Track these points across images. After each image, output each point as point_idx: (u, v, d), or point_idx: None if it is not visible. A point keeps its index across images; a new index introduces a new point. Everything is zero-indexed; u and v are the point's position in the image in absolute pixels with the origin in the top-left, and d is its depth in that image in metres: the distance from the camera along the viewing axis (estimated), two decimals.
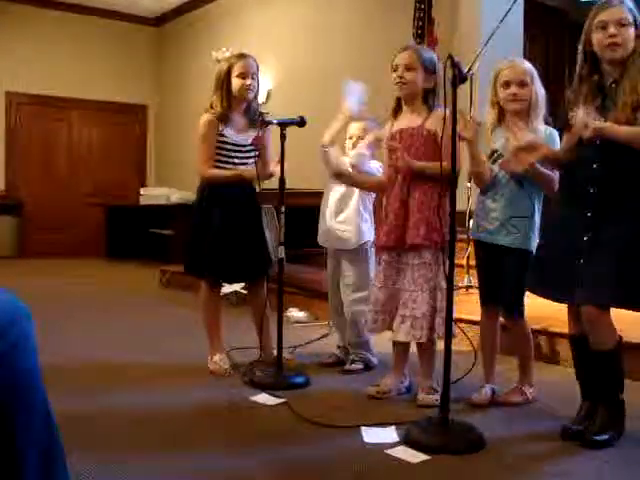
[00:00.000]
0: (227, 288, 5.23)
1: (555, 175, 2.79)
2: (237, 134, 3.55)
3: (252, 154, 3.60)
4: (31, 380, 1.34)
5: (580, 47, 2.57)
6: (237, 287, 5.37)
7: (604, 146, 2.46)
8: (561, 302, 2.63)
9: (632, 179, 2.46)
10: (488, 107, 3.01)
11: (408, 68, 3.03)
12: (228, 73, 3.51)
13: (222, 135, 3.52)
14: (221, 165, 3.55)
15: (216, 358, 3.58)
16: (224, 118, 3.51)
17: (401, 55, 3.07)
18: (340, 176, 3.38)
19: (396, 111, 3.16)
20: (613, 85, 2.50)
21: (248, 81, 3.50)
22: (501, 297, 2.99)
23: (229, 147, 3.54)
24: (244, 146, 3.57)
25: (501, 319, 3.07)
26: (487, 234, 2.96)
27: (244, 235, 3.56)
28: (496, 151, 2.95)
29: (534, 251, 2.84)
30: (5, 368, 1.26)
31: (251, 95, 3.55)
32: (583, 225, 2.50)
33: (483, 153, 2.96)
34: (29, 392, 1.33)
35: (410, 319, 2.97)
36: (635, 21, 2.48)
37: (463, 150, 2.89)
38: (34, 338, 1.36)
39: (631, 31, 2.47)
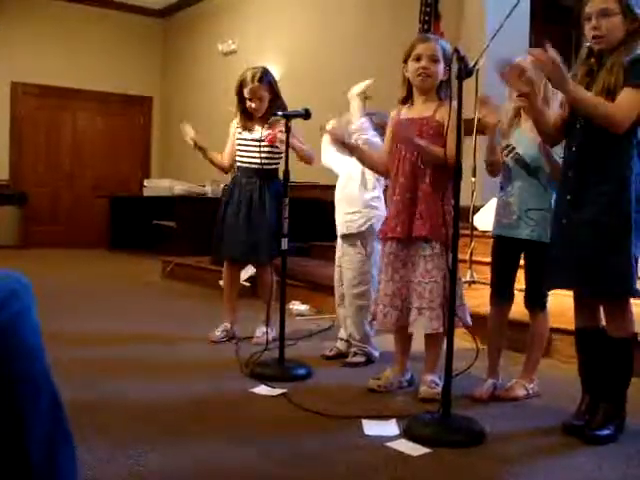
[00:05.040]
0: (244, 274, 5.14)
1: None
2: (248, 133, 4.09)
3: (261, 148, 4.00)
4: (35, 351, 1.34)
5: (583, 35, 2.56)
6: (251, 272, 5.27)
7: (583, 130, 2.47)
8: (566, 289, 2.67)
9: (606, 163, 2.46)
10: (507, 102, 3.02)
11: (434, 59, 2.98)
12: (239, 84, 4.05)
13: (239, 133, 4.13)
14: (238, 155, 4.13)
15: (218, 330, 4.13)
16: (241, 124, 4.12)
17: (425, 45, 3.00)
18: (347, 146, 3.21)
19: (406, 99, 3.11)
20: (597, 70, 2.49)
21: (246, 90, 4.01)
22: (526, 290, 3.01)
23: (241, 143, 4.11)
24: (252, 140, 4.04)
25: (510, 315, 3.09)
26: (507, 229, 2.99)
27: (244, 221, 4.00)
28: (509, 145, 2.98)
29: None
30: (8, 338, 1.26)
31: (253, 105, 4.02)
32: (564, 209, 2.52)
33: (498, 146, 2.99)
34: (34, 363, 1.33)
35: (428, 311, 2.94)
36: (627, 10, 2.44)
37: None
38: (35, 310, 1.36)
39: (616, 20, 2.43)
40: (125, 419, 2.68)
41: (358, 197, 3.58)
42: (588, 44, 2.54)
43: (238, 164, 4.16)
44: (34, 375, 1.33)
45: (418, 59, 2.99)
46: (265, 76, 4.04)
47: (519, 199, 2.95)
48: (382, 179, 3.54)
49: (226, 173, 4.35)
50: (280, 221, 3.89)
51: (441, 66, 3.00)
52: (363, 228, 3.58)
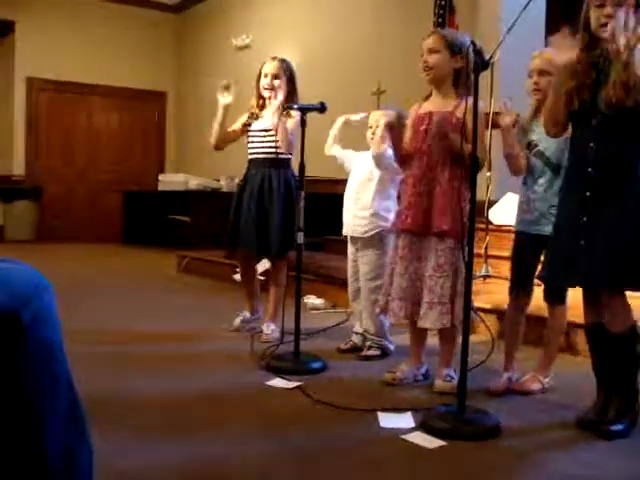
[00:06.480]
0: (260, 267, 5.13)
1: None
2: (257, 122, 4.05)
3: (270, 138, 3.98)
4: (56, 351, 1.34)
5: (581, 22, 2.51)
6: (267, 266, 5.25)
7: (600, 126, 2.44)
8: (572, 287, 2.65)
9: (627, 160, 2.44)
10: (529, 97, 3.02)
11: (431, 51, 3.00)
12: (259, 73, 4.03)
13: (249, 125, 4.08)
14: (248, 148, 4.10)
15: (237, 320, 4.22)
16: (252, 115, 4.08)
17: (425, 41, 3.04)
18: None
19: (429, 95, 3.13)
20: (607, 62, 2.44)
21: (266, 80, 3.99)
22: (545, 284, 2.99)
23: (250, 134, 4.07)
24: (261, 130, 4.02)
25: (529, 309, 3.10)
26: (529, 225, 2.98)
27: (255, 214, 3.96)
28: (532, 141, 2.98)
29: None
30: (30, 338, 1.27)
31: (267, 93, 3.99)
32: (582, 206, 2.48)
33: (520, 143, 3.00)
34: (54, 363, 1.34)
35: (439, 305, 2.94)
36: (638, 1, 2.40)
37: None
38: (56, 310, 1.36)
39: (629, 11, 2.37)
40: (140, 411, 2.69)
41: (370, 205, 3.58)
42: (581, 28, 2.51)
43: (249, 157, 4.11)
44: (55, 375, 1.33)
45: (422, 55, 3.04)
46: (286, 62, 4.08)
47: (542, 195, 2.94)
48: (397, 187, 3.54)
49: (216, 149, 4.20)
50: (290, 213, 3.93)
51: (442, 55, 3.00)
52: (368, 235, 3.59)
